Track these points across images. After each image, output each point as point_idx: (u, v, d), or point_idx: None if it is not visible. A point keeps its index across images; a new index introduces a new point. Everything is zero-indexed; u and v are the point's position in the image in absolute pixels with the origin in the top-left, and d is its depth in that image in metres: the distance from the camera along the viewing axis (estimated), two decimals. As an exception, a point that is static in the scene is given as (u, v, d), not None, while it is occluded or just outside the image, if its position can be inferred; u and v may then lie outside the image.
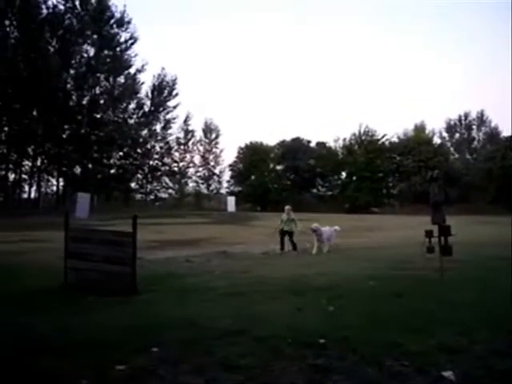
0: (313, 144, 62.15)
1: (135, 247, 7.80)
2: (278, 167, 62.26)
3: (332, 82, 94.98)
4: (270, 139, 64.69)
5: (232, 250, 14.83)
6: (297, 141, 61.59)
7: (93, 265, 7.82)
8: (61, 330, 5.14)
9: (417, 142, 56.78)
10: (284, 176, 61.40)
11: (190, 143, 63.19)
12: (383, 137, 58.56)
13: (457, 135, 67.09)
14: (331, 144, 61.37)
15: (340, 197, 56.66)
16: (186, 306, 6.48)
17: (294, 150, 60.05)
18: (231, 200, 49.78)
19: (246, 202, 58.80)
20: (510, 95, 76.26)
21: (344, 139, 60.61)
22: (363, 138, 59.02)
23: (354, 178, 56.88)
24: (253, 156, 60.49)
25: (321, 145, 61.73)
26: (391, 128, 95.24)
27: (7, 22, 45.34)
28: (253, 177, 60.42)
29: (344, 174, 59.34)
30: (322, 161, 58.96)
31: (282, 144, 61.98)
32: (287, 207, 16.10)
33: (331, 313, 5.89)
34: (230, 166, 63.62)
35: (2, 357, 4.20)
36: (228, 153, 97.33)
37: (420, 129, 63.00)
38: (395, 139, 59.88)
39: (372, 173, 55.15)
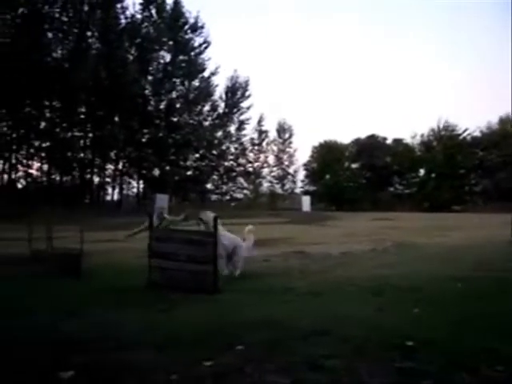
0: (389, 141, 60.69)
1: (216, 247, 7.98)
2: (354, 165, 61.36)
3: (409, 77, 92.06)
4: (345, 137, 64.01)
5: (309, 249, 14.69)
6: (372, 138, 60.38)
7: (176, 264, 8.06)
8: (150, 327, 5.35)
9: (502, 135, 53.61)
10: (359, 174, 60.40)
11: (264, 143, 63.82)
12: (464, 131, 55.98)
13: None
14: (408, 140, 59.64)
15: (418, 195, 54.82)
16: (266, 306, 6.52)
17: (370, 147, 58.91)
18: (306, 199, 49.62)
19: (320, 201, 58.43)
20: None
21: (422, 135, 58.75)
22: (442, 133, 56.78)
23: (433, 175, 54.84)
24: (327, 155, 60.00)
25: (397, 141, 60.13)
26: (472, 122, 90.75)
27: (89, 34, 47.96)
28: (327, 176, 59.94)
29: (422, 172, 57.43)
30: (398, 158, 57.42)
31: (357, 142, 60.97)
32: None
33: (416, 315, 5.71)
34: (305, 165, 63.60)
35: (96, 351, 4.43)
36: (302, 152, 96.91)
37: (506, 121, 59.42)
38: (477, 133, 57.06)
39: (452, 169, 52.86)
